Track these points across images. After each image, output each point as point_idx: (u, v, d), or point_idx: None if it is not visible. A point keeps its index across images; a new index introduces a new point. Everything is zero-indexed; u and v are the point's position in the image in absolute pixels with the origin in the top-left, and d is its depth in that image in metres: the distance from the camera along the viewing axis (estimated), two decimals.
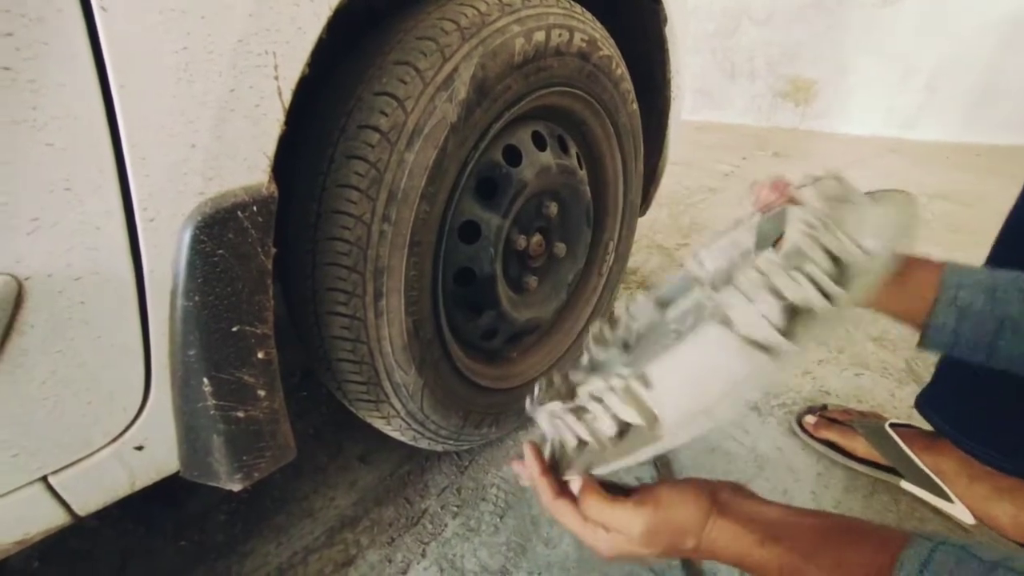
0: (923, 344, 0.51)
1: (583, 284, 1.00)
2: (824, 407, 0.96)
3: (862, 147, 3.01)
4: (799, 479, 0.85)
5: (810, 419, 0.92)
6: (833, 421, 0.90)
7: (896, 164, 2.69)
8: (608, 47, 0.79)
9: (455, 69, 0.57)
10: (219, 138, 0.40)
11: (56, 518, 0.44)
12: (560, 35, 0.68)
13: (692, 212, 2.04)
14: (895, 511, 0.80)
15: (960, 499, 0.75)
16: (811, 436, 0.91)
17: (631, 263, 1.59)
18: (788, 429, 0.96)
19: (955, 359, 0.52)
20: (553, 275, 0.91)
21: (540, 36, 0.65)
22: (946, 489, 0.76)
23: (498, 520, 0.78)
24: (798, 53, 3.39)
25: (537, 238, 0.83)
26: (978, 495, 0.74)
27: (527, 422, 0.96)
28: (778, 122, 3.60)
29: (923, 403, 0.80)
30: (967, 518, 0.74)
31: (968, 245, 1.73)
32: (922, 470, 0.78)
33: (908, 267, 0.52)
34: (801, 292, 0.34)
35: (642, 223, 1.90)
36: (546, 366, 0.94)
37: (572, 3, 0.72)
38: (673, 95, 1.04)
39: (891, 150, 2.93)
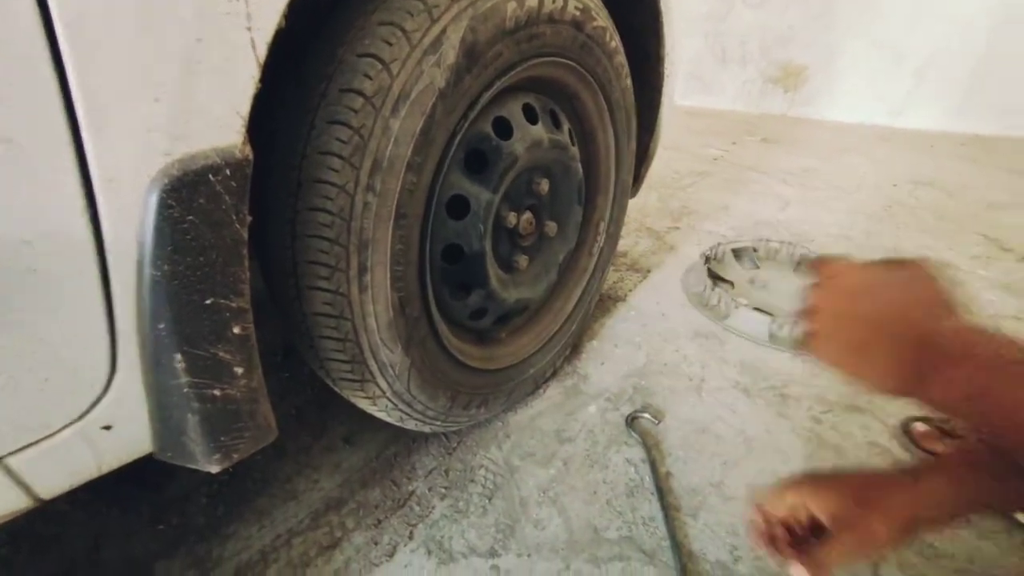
0: None
1: (573, 264, 0.98)
2: (927, 418, 0.91)
3: (851, 134, 3.02)
4: (788, 461, 0.85)
5: (920, 427, 0.89)
6: (945, 434, 0.87)
7: (885, 151, 2.70)
8: (603, 17, 0.76)
9: (443, 31, 0.54)
10: (186, 93, 0.37)
11: (18, 501, 0.41)
12: (554, 2, 0.65)
13: (682, 196, 2.03)
14: None
15: None
16: (916, 444, 0.88)
17: (621, 245, 1.58)
18: (776, 411, 0.96)
19: None
20: (543, 254, 0.89)
21: (533, 2, 0.62)
22: None
23: (486, 502, 0.77)
24: (791, 37, 3.37)
25: (527, 215, 0.81)
26: None
27: (515, 404, 0.94)
28: (767, 108, 3.60)
29: None
30: None
31: (953, 232, 1.75)
32: None
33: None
34: None
35: (632, 206, 1.88)
36: (536, 347, 0.92)
37: None
38: (666, 72, 1.02)
39: (881, 138, 2.94)
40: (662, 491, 0.79)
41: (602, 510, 0.76)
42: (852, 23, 3.14)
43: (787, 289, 1.38)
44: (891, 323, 0.41)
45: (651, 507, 0.77)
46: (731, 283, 1.39)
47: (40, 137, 0.32)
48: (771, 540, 0.47)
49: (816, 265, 0.48)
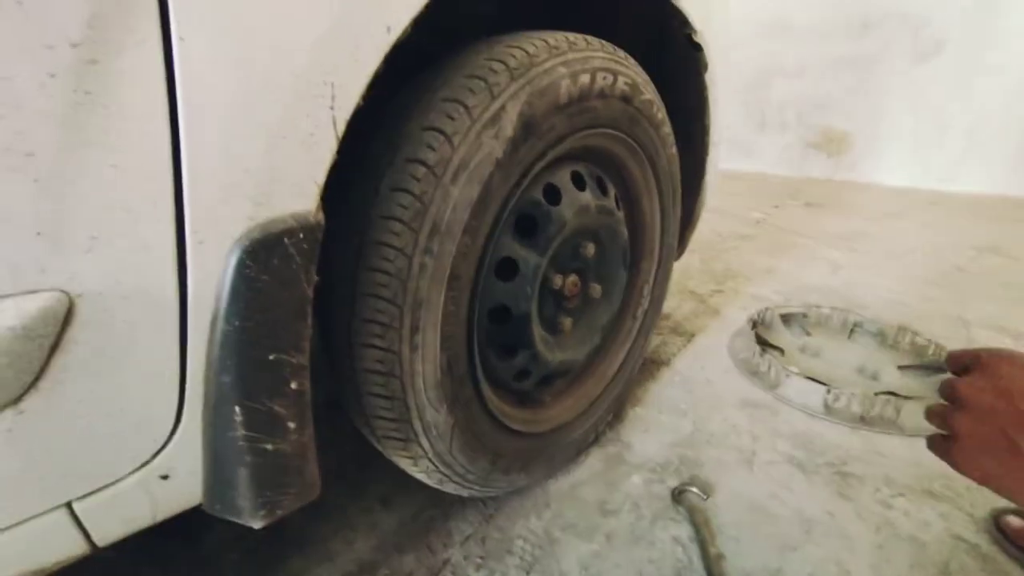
0: None
1: (617, 327, 0.97)
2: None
3: (899, 199, 2.95)
4: (855, 550, 0.78)
5: (1015, 521, 0.79)
6: None
7: (937, 216, 2.61)
8: (650, 91, 0.79)
9: (503, 107, 0.58)
10: (272, 165, 0.40)
11: (75, 547, 0.42)
12: (604, 78, 0.69)
13: (725, 258, 2.01)
14: None
15: None
16: (1011, 541, 0.78)
17: (664, 309, 1.55)
18: (836, 491, 0.89)
19: None
20: (588, 317, 0.89)
21: (585, 78, 0.66)
22: None
23: (524, 575, 0.73)
24: (831, 105, 3.41)
25: (573, 278, 0.81)
26: None
27: (556, 471, 0.91)
28: (810, 172, 3.59)
29: None
30: None
31: (1022, 301, 1.64)
32: None
33: None
34: None
35: (675, 269, 1.87)
36: (578, 411, 0.90)
37: (616, 48, 0.73)
38: (712, 140, 1.04)
39: (931, 202, 2.86)
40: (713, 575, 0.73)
41: None
42: (893, 93, 3.16)
43: (840, 358, 1.31)
44: None
45: None
46: (781, 350, 1.34)
47: (151, 206, 0.35)
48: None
49: (964, 358, 0.42)
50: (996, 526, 0.81)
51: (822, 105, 3.43)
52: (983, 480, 0.38)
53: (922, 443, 0.99)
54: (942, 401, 0.43)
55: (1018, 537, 0.78)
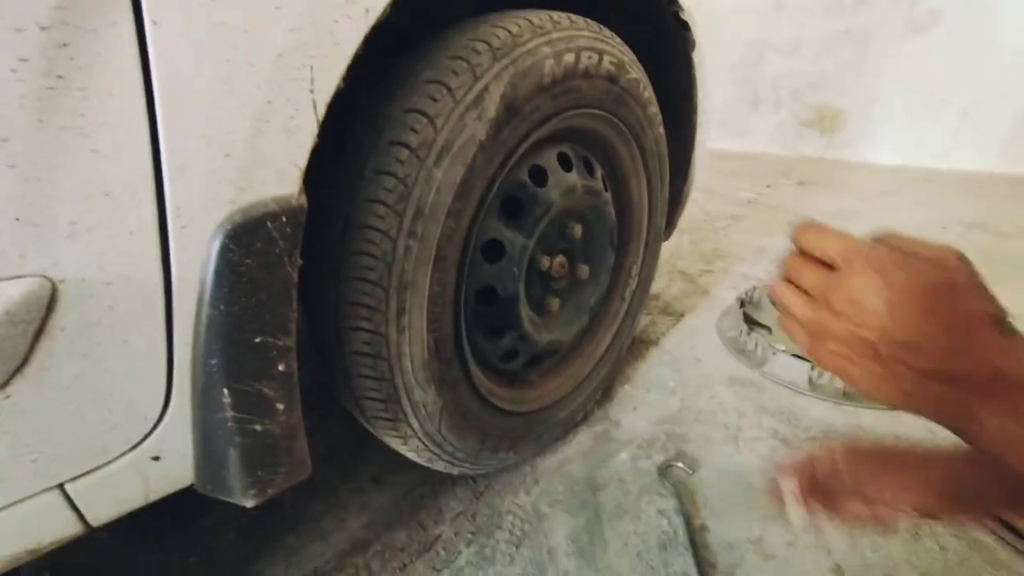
0: None
1: (605, 308, 0.99)
2: None
3: (892, 177, 2.96)
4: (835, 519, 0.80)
5: None
6: None
7: (930, 193, 2.63)
8: (636, 70, 0.79)
9: (486, 88, 0.57)
10: (253, 148, 0.40)
11: (69, 527, 0.43)
12: (589, 57, 0.68)
13: (714, 238, 2.02)
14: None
15: None
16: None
17: (653, 288, 1.57)
18: None
19: None
20: (575, 298, 0.90)
21: (569, 58, 0.65)
22: None
23: (514, 550, 0.75)
24: (824, 83, 3.39)
25: (560, 259, 0.82)
26: None
27: (544, 449, 0.93)
28: (803, 151, 3.58)
29: None
30: None
31: (1010, 278, 1.66)
32: None
33: None
34: None
35: (664, 249, 1.88)
36: (566, 390, 0.91)
37: (601, 27, 0.72)
38: (700, 120, 1.04)
39: (924, 180, 2.87)
40: (697, 546, 0.75)
41: (633, 563, 0.73)
42: (889, 68, 3.14)
43: None
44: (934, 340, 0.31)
45: (685, 562, 0.73)
46: (768, 328, 1.36)
47: (131, 189, 0.35)
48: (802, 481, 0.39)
49: (808, 232, 0.37)
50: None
51: (816, 82, 3.41)
52: (862, 387, 0.35)
53: (902, 417, 1.01)
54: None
55: None
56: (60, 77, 0.30)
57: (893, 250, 0.34)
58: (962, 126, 2.99)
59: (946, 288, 0.32)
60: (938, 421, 0.34)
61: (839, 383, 1.09)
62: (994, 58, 2.81)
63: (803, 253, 0.38)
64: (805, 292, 0.37)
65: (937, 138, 3.09)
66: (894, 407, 0.35)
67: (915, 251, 0.34)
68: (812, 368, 1.11)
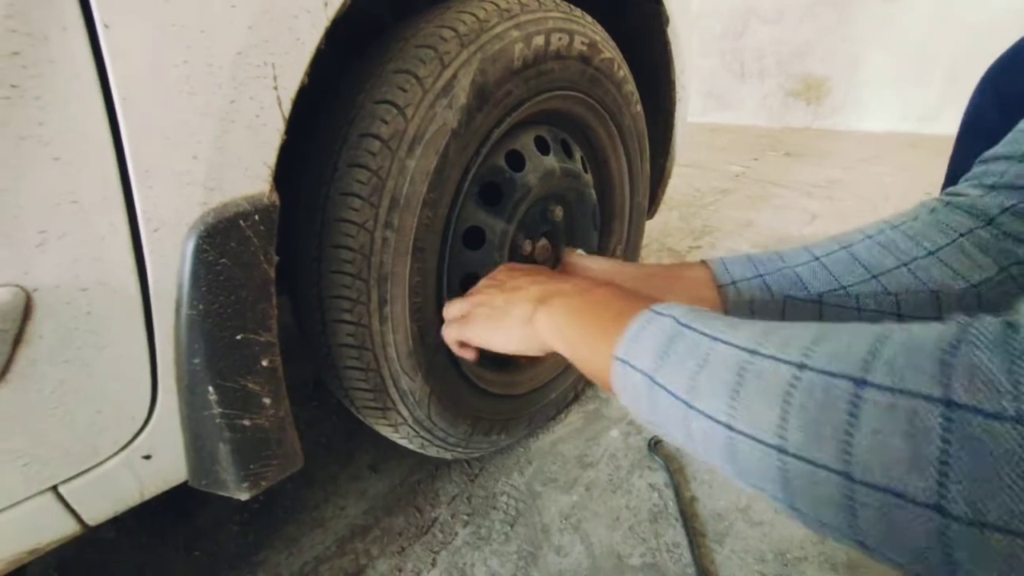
0: None
1: None
2: None
3: (879, 143, 2.96)
4: None
5: None
6: None
7: (915, 159, 2.63)
8: (609, 50, 0.78)
9: (454, 75, 0.57)
10: (220, 149, 0.41)
11: (66, 528, 0.44)
12: (560, 39, 0.68)
13: (703, 214, 2.02)
14: None
15: None
16: None
17: None
18: None
19: None
20: None
21: (539, 40, 0.65)
22: None
23: (509, 528, 0.77)
24: (808, 51, 3.36)
25: (543, 242, 0.82)
26: None
27: (536, 430, 0.95)
28: (790, 122, 3.57)
29: None
30: None
31: None
32: None
33: (670, 273, 0.58)
34: None
35: (653, 226, 1.89)
36: (556, 372, 0.93)
37: (572, 7, 0.72)
38: (678, 96, 1.04)
39: (910, 145, 2.88)
40: (687, 517, 0.77)
41: (625, 536, 0.76)
42: (871, 33, 3.11)
43: None
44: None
45: (675, 533, 0.76)
46: None
47: (100, 197, 0.36)
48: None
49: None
50: None
51: (800, 50, 3.38)
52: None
53: None
54: None
55: None
56: (14, 87, 0.30)
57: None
58: (948, 88, 2.98)
59: None
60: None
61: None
62: (976, 16, 2.79)
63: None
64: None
65: (923, 102, 3.08)
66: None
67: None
68: None
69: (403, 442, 0.73)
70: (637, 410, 0.32)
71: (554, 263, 0.88)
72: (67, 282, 0.36)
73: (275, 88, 0.43)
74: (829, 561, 0.71)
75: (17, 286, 0.34)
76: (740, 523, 0.77)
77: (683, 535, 0.75)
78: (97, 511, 0.45)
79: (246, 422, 0.49)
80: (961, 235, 0.44)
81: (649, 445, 0.91)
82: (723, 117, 3.79)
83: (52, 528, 0.43)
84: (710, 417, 0.26)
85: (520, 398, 0.86)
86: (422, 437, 0.72)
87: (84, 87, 0.33)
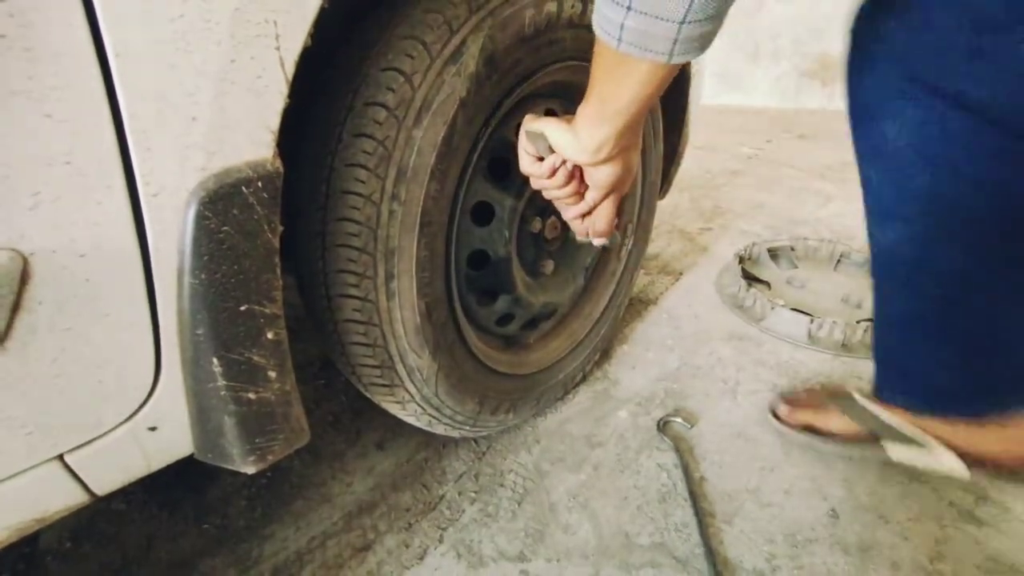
0: None
1: (601, 268, 0.98)
2: (792, 393, 0.92)
3: None
4: (829, 467, 0.82)
5: (783, 409, 0.87)
6: (804, 405, 0.86)
7: None
8: None
9: (463, 42, 0.55)
10: (221, 111, 0.39)
11: (74, 497, 0.44)
12: (573, 6, 0.65)
13: (714, 196, 1.99)
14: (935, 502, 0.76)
15: (948, 448, 0.72)
16: (788, 425, 0.86)
17: (652, 248, 1.56)
18: None
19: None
20: (570, 259, 0.89)
21: (552, 7, 0.63)
22: (929, 439, 0.72)
23: (516, 506, 0.77)
24: (825, 29, 3.26)
25: (552, 220, 0.81)
26: (961, 437, 0.71)
27: (544, 409, 0.94)
28: (804, 103, 3.49)
29: (881, 395, 0.76)
30: (962, 472, 0.71)
31: None
32: (900, 428, 0.74)
33: None
34: None
35: (663, 208, 1.86)
36: (564, 352, 0.92)
37: None
38: (692, 73, 1.00)
39: None
40: (695, 497, 0.77)
41: (633, 516, 0.75)
42: None
43: (826, 289, 1.33)
44: None
45: (684, 513, 0.75)
46: (767, 284, 1.35)
47: (95, 158, 0.34)
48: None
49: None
50: (775, 417, 0.88)
51: (816, 27, 3.28)
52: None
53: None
54: None
55: (790, 417, 0.86)
56: (2, 36, 0.29)
57: None
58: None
59: None
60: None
61: (837, 335, 1.09)
62: None
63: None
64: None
65: None
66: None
67: None
68: (811, 321, 1.11)
69: (410, 419, 0.72)
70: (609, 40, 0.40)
71: (564, 241, 0.86)
72: (64, 247, 0.35)
73: (277, 48, 0.41)
74: (840, 543, 0.70)
75: (13, 250, 0.33)
76: (749, 504, 0.76)
77: (692, 515, 0.74)
78: (104, 481, 0.45)
79: (251, 395, 0.48)
80: None
81: (658, 426, 0.90)
82: (735, 99, 3.70)
83: (60, 497, 0.43)
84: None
85: (528, 377, 0.85)
86: (429, 415, 0.71)
87: (76, 40, 0.32)
